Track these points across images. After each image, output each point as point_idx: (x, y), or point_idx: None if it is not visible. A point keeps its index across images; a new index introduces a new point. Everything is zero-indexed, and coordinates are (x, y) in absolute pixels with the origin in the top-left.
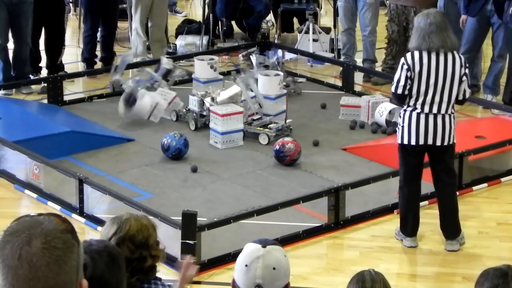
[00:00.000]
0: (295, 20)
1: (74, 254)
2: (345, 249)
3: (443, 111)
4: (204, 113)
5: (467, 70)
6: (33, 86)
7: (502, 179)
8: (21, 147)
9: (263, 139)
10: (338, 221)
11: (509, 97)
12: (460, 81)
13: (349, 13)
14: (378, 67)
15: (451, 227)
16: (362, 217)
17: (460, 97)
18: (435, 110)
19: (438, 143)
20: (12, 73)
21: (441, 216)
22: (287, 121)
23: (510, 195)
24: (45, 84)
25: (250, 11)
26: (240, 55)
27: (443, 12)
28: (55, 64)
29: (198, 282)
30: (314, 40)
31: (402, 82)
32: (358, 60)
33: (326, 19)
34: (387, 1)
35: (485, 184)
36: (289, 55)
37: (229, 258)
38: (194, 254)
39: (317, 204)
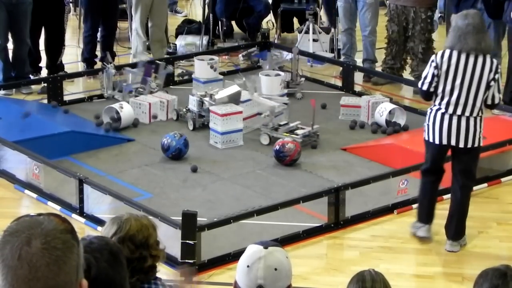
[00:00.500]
0: (295, 20)
1: (74, 254)
2: (345, 249)
3: (467, 113)
4: (203, 113)
5: (497, 76)
6: (33, 86)
7: (502, 179)
8: (21, 147)
9: None
10: (338, 221)
11: (509, 97)
12: (488, 86)
13: (349, 13)
14: (378, 67)
15: (456, 229)
16: (362, 217)
17: (489, 102)
18: (459, 111)
19: (461, 145)
20: (12, 73)
21: (449, 216)
22: (315, 126)
23: (510, 195)
24: (45, 84)
25: (250, 11)
26: (240, 55)
27: (481, 13)
28: (55, 64)
29: (198, 282)
30: (314, 40)
31: (428, 79)
32: (358, 60)
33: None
34: (387, 1)
35: (485, 184)
36: (288, 55)
37: (229, 258)
38: (194, 254)
39: (317, 204)
